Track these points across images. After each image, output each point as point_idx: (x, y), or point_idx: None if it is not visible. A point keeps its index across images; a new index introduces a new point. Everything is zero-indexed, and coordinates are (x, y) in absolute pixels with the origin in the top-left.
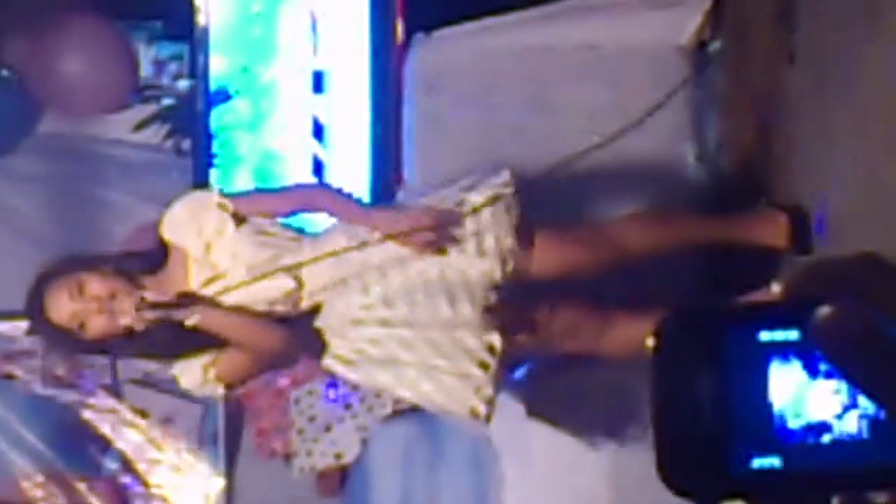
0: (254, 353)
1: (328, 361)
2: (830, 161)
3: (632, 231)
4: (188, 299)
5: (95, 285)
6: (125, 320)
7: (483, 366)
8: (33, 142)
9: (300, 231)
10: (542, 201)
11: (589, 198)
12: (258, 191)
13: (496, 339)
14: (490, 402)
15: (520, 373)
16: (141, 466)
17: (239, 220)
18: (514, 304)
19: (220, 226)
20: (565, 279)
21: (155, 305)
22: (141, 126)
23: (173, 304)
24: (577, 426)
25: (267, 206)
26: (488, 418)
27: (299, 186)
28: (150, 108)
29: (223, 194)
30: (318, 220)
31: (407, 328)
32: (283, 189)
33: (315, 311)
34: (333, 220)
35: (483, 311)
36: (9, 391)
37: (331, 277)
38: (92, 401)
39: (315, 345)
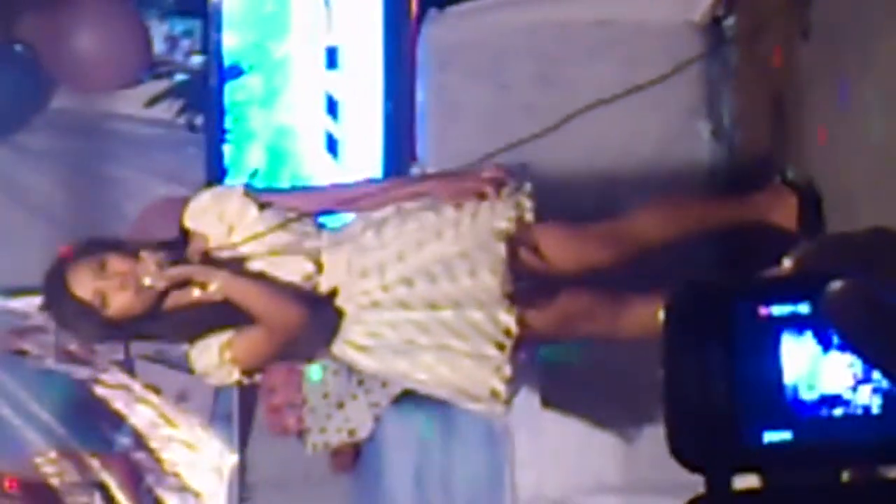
0: (273, 328)
1: (339, 347)
2: (844, 137)
3: (649, 224)
4: (212, 262)
5: (118, 263)
6: (149, 280)
7: (500, 347)
8: (46, 117)
9: (321, 225)
10: (557, 181)
11: (603, 174)
12: (283, 189)
13: (512, 323)
14: (509, 384)
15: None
16: (154, 443)
17: (262, 206)
18: (530, 291)
19: (243, 209)
20: (585, 275)
21: (178, 262)
22: (153, 102)
23: (197, 264)
24: (588, 405)
25: (293, 203)
26: (508, 402)
27: (324, 187)
28: (162, 84)
29: (249, 189)
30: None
31: (425, 309)
32: (311, 189)
33: (333, 294)
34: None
35: (503, 283)
36: (21, 367)
37: (349, 263)
38: (104, 377)
39: (331, 327)
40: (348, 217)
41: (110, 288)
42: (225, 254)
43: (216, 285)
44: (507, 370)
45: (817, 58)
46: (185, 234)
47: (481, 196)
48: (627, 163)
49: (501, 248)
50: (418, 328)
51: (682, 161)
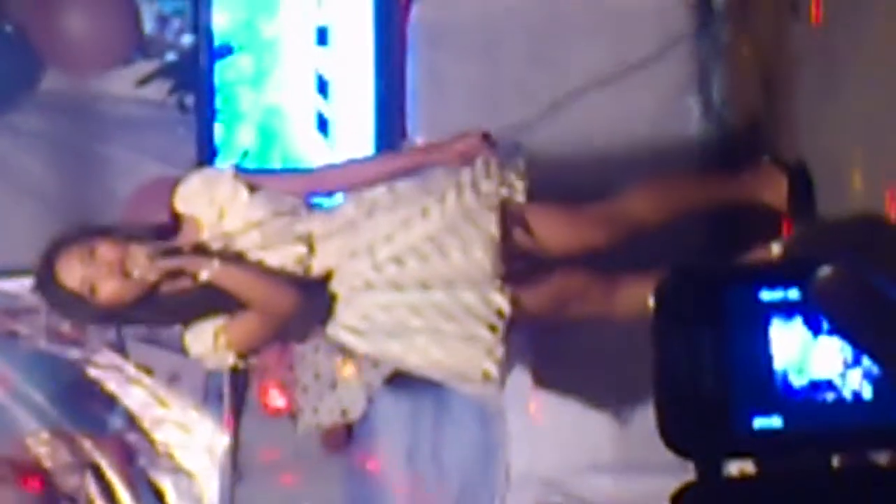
0: (266, 314)
1: (333, 330)
2: (835, 115)
3: (642, 205)
4: (203, 251)
5: (107, 251)
6: (138, 273)
7: (492, 328)
8: (36, 98)
9: (312, 205)
10: (550, 161)
11: (595, 153)
12: (274, 171)
13: (504, 304)
14: (501, 365)
15: (526, 333)
16: (146, 424)
17: (252, 188)
18: (524, 272)
19: (234, 192)
20: (578, 255)
21: (169, 252)
22: (144, 82)
23: (188, 254)
24: (582, 384)
25: (283, 185)
26: (501, 383)
27: (314, 168)
28: (153, 64)
29: (238, 170)
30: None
31: (418, 289)
32: (301, 171)
33: (327, 277)
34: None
35: (495, 260)
36: (13, 348)
37: (341, 245)
38: (96, 358)
39: (325, 310)
40: (340, 196)
41: (99, 276)
42: (217, 243)
43: (207, 275)
44: (500, 352)
45: (807, 35)
46: (175, 218)
47: (474, 154)
48: (619, 141)
49: (492, 223)
50: (411, 310)
51: (673, 139)
